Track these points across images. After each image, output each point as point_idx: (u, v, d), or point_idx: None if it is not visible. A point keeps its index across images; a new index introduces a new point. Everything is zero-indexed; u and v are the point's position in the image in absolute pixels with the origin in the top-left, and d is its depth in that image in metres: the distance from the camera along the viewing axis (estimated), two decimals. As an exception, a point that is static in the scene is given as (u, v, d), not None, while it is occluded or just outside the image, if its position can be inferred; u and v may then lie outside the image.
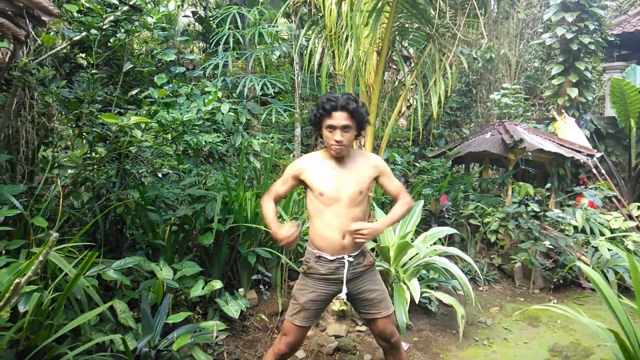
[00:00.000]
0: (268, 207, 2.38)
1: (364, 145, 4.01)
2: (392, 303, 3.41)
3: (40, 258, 1.88)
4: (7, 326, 2.18)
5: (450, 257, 4.04)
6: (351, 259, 2.29)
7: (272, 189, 2.44)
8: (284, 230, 2.22)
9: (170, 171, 3.69)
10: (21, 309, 2.21)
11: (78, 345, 2.30)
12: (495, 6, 4.30)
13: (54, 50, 3.22)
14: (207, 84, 4.00)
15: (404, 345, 3.48)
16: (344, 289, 2.28)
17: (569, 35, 7.82)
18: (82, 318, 2.32)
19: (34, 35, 2.94)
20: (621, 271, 4.81)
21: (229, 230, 3.50)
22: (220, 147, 3.91)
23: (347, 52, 3.57)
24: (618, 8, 12.81)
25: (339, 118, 2.19)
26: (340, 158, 2.29)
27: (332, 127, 2.20)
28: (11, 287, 1.80)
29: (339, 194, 2.24)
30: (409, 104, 7.63)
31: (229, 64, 5.01)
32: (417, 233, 4.22)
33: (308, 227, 2.44)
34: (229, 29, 5.02)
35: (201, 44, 7.03)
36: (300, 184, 2.39)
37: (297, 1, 3.91)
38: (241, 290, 3.50)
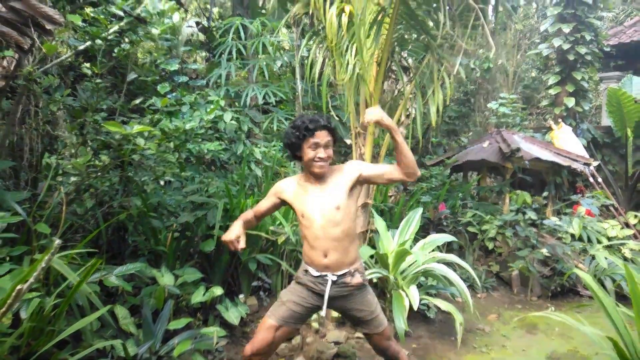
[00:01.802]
0: (244, 214, 2.51)
1: (363, 154, 4.05)
2: (391, 310, 3.46)
3: (43, 264, 1.91)
4: (8, 332, 2.20)
5: (448, 264, 4.06)
6: (334, 278, 2.31)
7: (257, 205, 2.56)
8: (231, 234, 2.30)
9: (172, 179, 3.73)
10: (23, 315, 2.23)
11: (79, 351, 2.32)
12: (493, 17, 4.37)
13: (59, 59, 3.27)
14: (210, 94, 4.05)
15: (403, 352, 3.50)
16: (324, 307, 2.33)
17: (566, 46, 7.92)
18: (83, 322, 2.34)
19: (39, 44, 2.99)
20: (618, 279, 4.84)
21: (230, 237, 3.52)
22: (222, 155, 3.95)
23: (347, 63, 3.63)
24: (614, 19, 12.96)
25: (323, 136, 2.26)
26: (317, 179, 2.33)
27: (316, 145, 2.26)
28: (13, 294, 1.82)
29: (316, 215, 2.28)
30: (408, 113, 7.69)
31: (232, 74, 5.06)
32: (416, 240, 4.25)
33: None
34: (232, 39, 5.09)
35: (204, 54, 7.10)
36: (283, 204, 2.47)
37: (298, 13, 3.97)
38: (241, 296, 3.52)
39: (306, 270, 2.37)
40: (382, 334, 2.44)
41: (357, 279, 2.35)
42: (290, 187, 2.40)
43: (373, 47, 3.78)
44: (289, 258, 3.82)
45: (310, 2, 3.60)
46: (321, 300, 2.33)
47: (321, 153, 2.26)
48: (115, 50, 3.19)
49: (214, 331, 2.88)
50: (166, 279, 2.99)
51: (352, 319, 2.47)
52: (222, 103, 3.54)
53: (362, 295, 2.40)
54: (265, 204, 2.48)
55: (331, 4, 3.52)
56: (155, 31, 3.19)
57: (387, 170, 2.36)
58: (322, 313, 2.36)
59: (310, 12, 3.76)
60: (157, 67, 3.71)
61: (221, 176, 4.39)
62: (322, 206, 2.28)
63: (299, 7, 3.83)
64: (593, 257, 5.24)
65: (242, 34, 5.15)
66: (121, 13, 3.05)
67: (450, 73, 4.13)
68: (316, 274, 2.32)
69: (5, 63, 3.00)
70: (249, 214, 2.50)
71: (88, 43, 3.06)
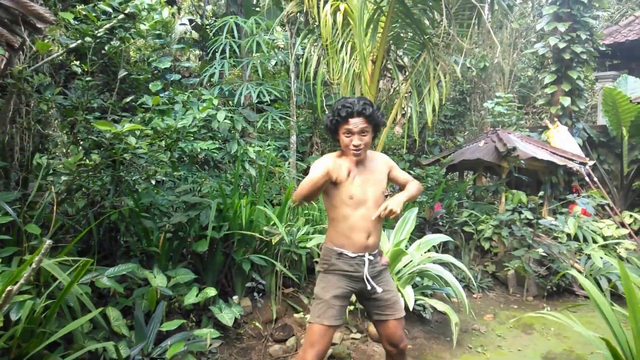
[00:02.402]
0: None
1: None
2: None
3: (33, 265, 1.88)
4: (-1, 334, 2.17)
5: (444, 264, 4.05)
6: (371, 257, 2.32)
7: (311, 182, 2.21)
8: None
9: (164, 178, 3.69)
10: (13, 317, 2.19)
11: (70, 353, 2.29)
12: (489, 16, 4.36)
13: (50, 58, 3.23)
14: (204, 92, 4.02)
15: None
16: (371, 285, 2.27)
17: (562, 45, 7.93)
18: (74, 324, 2.31)
19: (30, 43, 2.95)
20: (614, 279, 4.84)
21: (224, 238, 3.49)
22: (215, 154, 3.91)
23: (343, 61, 3.61)
24: (610, 18, 13.00)
25: (356, 123, 2.21)
26: (360, 161, 2.30)
27: (349, 132, 2.22)
28: (3, 295, 1.79)
29: (366, 196, 2.27)
30: (403, 112, 7.68)
31: (226, 72, 5.02)
32: (411, 240, 4.23)
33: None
34: (226, 37, 5.06)
35: (197, 52, 7.07)
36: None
37: (291, 12, 3.94)
38: (235, 297, 3.49)
39: (340, 254, 2.29)
40: (402, 321, 2.40)
41: (385, 259, 2.42)
42: (337, 167, 2.24)
43: (370, 46, 3.76)
44: (283, 259, 3.79)
45: (304, 0, 3.57)
46: (357, 283, 2.30)
47: (355, 140, 2.22)
48: (106, 48, 3.15)
49: (208, 333, 2.85)
50: (158, 280, 2.95)
51: (380, 303, 2.34)
52: (216, 102, 3.51)
53: (387, 274, 2.43)
54: (321, 182, 2.18)
55: (325, 2, 3.49)
56: (144, 27, 3.15)
57: (403, 181, 2.48)
58: (378, 289, 2.29)
59: (305, 10, 3.73)
60: (150, 65, 3.67)
61: (215, 176, 4.36)
62: (372, 189, 2.29)
63: (292, 6, 3.81)
64: (589, 257, 5.24)
65: (235, 32, 5.11)
66: (110, 10, 3.01)
67: (446, 72, 4.12)
68: (353, 255, 2.28)
69: (-5, 61, 2.95)
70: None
71: (79, 41, 3.02)
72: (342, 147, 2.30)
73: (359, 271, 2.29)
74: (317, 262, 2.51)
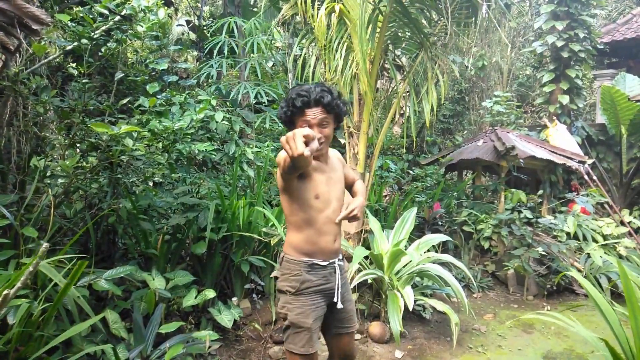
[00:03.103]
0: None
1: (357, 153, 4.02)
2: (386, 311, 3.44)
3: (30, 269, 1.87)
4: (-4, 338, 2.16)
5: (443, 264, 4.04)
6: (341, 263, 2.14)
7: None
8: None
9: (162, 180, 3.68)
10: (10, 320, 2.18)
11: (69, 356, 2.29)
12: (487, 15, 4.35)
13: (46, 60, 3.22)
14: (201, 93, 4.01)
15: (398, 354, 3.48)
16: (338, 296, 2.07)
17: (560, 43, 7.92)
18: (74, 330, 2.30)
19: (26, 45, 2.94)
20: (614, 277, 4.84)
21: (222, 239, 3.49)
22: (213, 156, 3.91)
23: (337, 63, 3.60)
24: (607, 17, 13.01)
25: (314, 114, 1.94)
26: (323, 160, 2.08)
27: (307, 124, 1.95)
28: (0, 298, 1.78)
29: (331, 195, 2.06)
30: (402, 112, 7.68)
31: (223, 71, 5.02)
32: (411, 240, 4.23)
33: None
34: (224, 37, 5.05)
35: (195, 53, 7.06)
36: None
37: (286, 14, 3.93)
38: (234, 299, 3.48)
39: (312, 265, 2.02)
40: (354, 333, 2.26)
41: (346, 262, 2.30)
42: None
43: (368, 47, 3.75)
44: (283, 259, 3.78)
45: (298, 3, 3.57)
46: (327, 297, 2.07)
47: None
48: (103, 50, 3.14)
49: (207, 335, 2.84)
50: (157, 282, 2.94)
51: (342, 316, 2.14)
52: (214, 102, 3.50)
53: (347, 281, 2.24)
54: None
55: (320, 4, 3.49)
56: (140, 29, 3.14)
57: (352, 179, 2.30)
58: (340, 305, 2.07)
59: (300, 13, 3.73)
60: (147, 67, 3.66)
61: (213, 177, 4.35)
62: (335, 188, 2.09)
63: (287, 8, 3.80)
64: (588, 255, 5.24)
65: (235, 32, 5.10)
66: (107, 12, 3.00)
67: (445, 71, 4.11)
68: (324, 263, 2.05)
69: (-9, 64, 2.94)
70: None
71: (75, 43, 3.01)
72: None
73: (331, 281, 2.07)
74: (276, 277, 2.23)
